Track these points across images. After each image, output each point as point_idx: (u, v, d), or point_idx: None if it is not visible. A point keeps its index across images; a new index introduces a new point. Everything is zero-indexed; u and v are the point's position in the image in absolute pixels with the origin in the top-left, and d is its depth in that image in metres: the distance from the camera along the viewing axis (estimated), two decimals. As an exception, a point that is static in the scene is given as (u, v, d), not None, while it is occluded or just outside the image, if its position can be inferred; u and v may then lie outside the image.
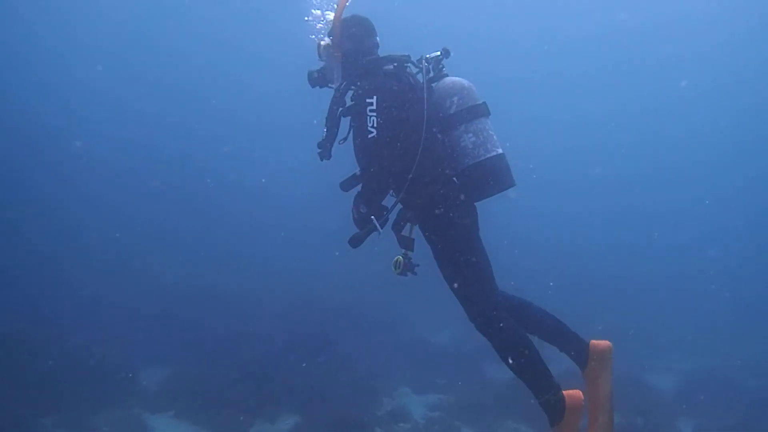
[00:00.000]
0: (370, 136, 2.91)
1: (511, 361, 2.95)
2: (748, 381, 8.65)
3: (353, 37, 3.17)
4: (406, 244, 3.10)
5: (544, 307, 3.15)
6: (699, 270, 14.27)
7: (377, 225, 2.95)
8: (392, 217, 3.04)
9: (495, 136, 3.07)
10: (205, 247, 14.02)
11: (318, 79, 3.24)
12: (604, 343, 3.08)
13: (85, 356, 7.31)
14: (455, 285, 2.98)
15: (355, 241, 2.95)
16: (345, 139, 3.16)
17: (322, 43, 3.21)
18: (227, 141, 20.11)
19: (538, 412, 3.12)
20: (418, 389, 7.95)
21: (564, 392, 2.97)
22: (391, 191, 3.11)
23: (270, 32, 20.19)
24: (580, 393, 3.00)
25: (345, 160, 3.13)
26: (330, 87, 3.23)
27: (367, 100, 2.93)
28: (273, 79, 20.19)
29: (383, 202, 3.03)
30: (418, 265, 3.11)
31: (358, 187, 3.05)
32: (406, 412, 7.15)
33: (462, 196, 3.01)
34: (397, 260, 3.08)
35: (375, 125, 2.89)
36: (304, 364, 7.61)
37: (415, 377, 8.20)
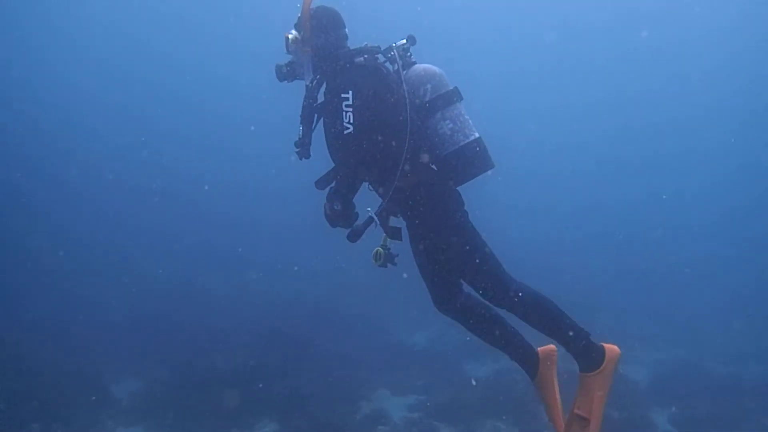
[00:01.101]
0: (346, 132, 2.84)
1: (539, 322, 3.00)
2: (718, 369, 8.86)
3: (322, 30, 3.08)
4: (394, 234, 3.08)
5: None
6: (669, 263, 14.55)
7: (375, 217, 2.92)
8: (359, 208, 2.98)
9: (470, 121, 3.06)
10: (178, 248, 13.75)
11: (287, 74, 3.14)
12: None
13: (52, 370, 7.09)
14: (465, 270, 3.00)
15: (354, 236, 2.91)
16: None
17: (290, 36, 3.11)
18: (203, 137, 19.78)
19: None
20: (396, 391, 7.93)
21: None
22: (369, 186, 3.09)
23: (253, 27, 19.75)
24: (617, 348, 3.05)
25: (322, 156, 3.09)
26: (298, 79, 3.15)
27: (342, 95, 2.87)
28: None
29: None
30: (397, 255, 3.08)
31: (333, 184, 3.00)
32: (385, 415, 7.13)
33: (444, 184, 3.00)
34: (377, 251, 3.06)
35: (351, 120, 2.83)
36: (281, 370, 7.54)
37: (393, 379, 8.18)
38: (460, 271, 3.03)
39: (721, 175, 21.10)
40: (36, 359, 7.40)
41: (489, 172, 3.10)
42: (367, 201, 3.06)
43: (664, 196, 18.98)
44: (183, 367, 7.63)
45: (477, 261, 2.98)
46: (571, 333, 2.98)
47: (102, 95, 20.30)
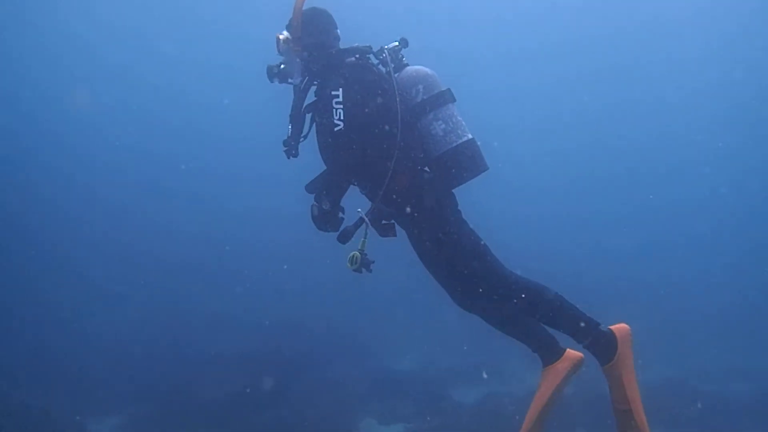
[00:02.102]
0: (336, 129, 2.83)
1: (546, 315, 2.95)
2: (705, 387, 8.86)
3: (313, 31, 3.09)
4: (387, 230, 3.04)
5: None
6: (650, 280, 14.62)
7: (365, 218, 2.90)
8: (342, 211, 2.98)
9: (463, 122, 3.06)
10: (158, 265, 13.43)
11: (278, 74, 3.13)
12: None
13: (26, 411, 6.83)
14: (464, 269, 2.95)
15: (344, 237, 2.89)
16: (306, 136, 3.09)
17: (281, 36, 3.12)
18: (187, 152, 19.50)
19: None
20: (383, 420, 7.78)
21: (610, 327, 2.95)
22: (360, 189, 3.08)
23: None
24: (626, 325, 2.99)
25: (310, 160, 3.07)
26: (290, 83, 3.14)
27: (333, 93, 2.87)
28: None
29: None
30: (373, 262, 3.02)
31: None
32: (373, 445, 7.00)
33: (437, 185, 2.98)
34: (353, 255, 2.98)
35: (342, 118, 2.83)
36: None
37: (380, 407, 8.04)
38: (459, 270, 2.98)
39: (708, 190, 20.85)
40: (7, 397, 7.16)
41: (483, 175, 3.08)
42: (357, 204, 3.04)
43: (651, 196, 18.88)
44: (166, 399, 7.44)
45: (475, 259, 2.95)
46: (581, 324, 2.91)
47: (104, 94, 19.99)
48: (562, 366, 3.01)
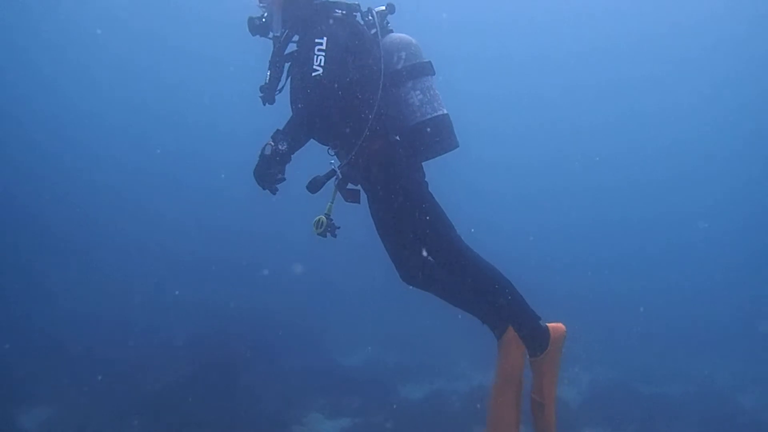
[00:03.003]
0: (314, 74, 2.73)
1: (490, 300, 2.90)
2: (642, 389, 9.11)
3: None
4: (352, 197, 3.00)
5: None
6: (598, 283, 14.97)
7: (337, 171, 2.86)
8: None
9: (440, 96, 3.01)
10: (96, 268, 12.98)
11: (260, 27, 3.02)
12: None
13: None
14: (420, 239, 2.91)
15: (314, 186, 2.82)
16: (282, 88, 3.00)
17: None
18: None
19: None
20: (330, 414, 7.68)
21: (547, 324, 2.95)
22: (329, 149, 3.00)
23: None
24: (563, 325, 2.98)
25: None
26: (270, 38, 3.03)
27: (316, 41, 2.78)
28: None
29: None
30: (338, 228, 2.98)
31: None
32: (319, 439, 6.89)
33: (407, 155, 2.93)
34: (318, 220, 2.94)
35: (322, 63, 2.74)
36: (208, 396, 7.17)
37: (327, 402, 7.93)
38: (418, 239, 2.94)
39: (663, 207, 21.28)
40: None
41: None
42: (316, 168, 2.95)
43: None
44: (102, 391, 7.12)
45: (435, 230, 2.91)
46: (521, 314, 2.90)
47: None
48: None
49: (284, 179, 2.85)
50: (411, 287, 3.10)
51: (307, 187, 2.85)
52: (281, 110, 3.07)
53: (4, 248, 12.25)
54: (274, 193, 2.87)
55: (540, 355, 2.87)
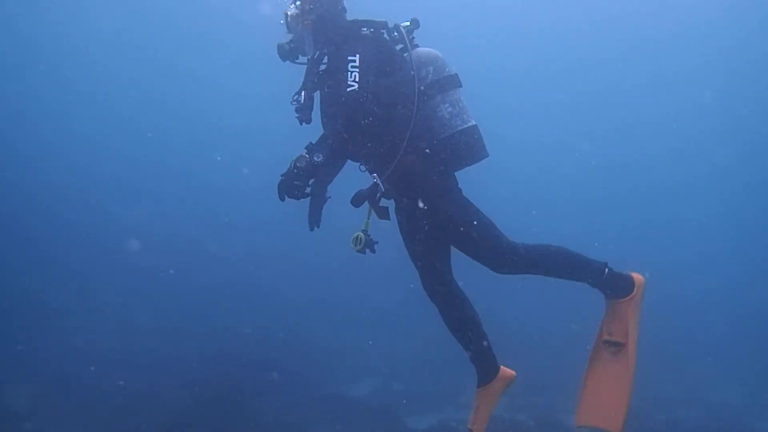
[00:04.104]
0: (350, 89, 2.76)
1: (556, 268, 3.14)
2: (657, 416, 8.93)
3: (323, 2, 3.04)
4: (383, 213, 3.04)
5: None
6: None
7: (380, 183, 2.92)
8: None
9: (468, 108, 3.07)
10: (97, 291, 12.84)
11: (290, 52, 3.07)
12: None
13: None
14: (469, 246, 3.01)
15: (358, 200, 2.92)
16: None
17: (290, 12, 3.05)
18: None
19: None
20: (333, 446, 7.57)
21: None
22: (361, 165, 3.06)
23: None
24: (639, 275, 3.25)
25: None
26: (300, 63, 3.09)
27: (349, 58, 2.82)
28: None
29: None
30: (377, 243, 3.04)
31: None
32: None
33: (443, 167, 2.99)
34: (357, 236, 3.00)
35: (356, 79, 2.77)
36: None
37: (330, 433, 7.82)
38: (460, 244, 3.03)
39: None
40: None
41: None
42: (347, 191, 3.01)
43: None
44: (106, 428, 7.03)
45: (486, 232, 3.00)
46: (590, 267, 3.12)
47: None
48: (498, 386, 3.12)
49: (308, 195, 2.86)
50: (432, 301, 3.18)
51: (351, 202, 2.93)
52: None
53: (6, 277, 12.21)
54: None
55: (625, 297, 3.15)
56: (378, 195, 3.00)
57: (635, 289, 3.15)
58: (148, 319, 10.98)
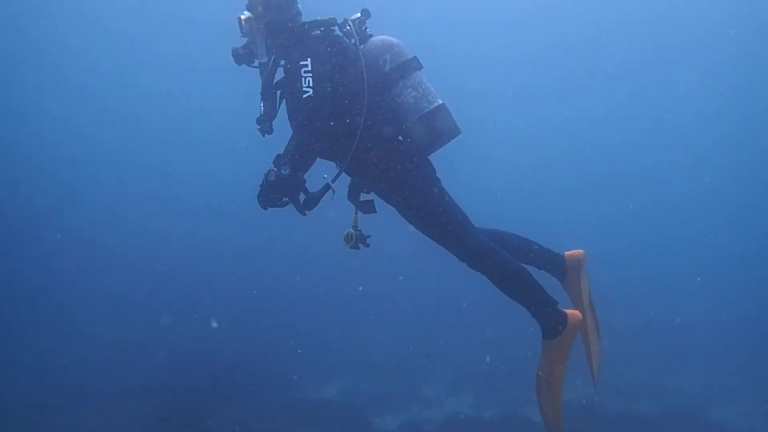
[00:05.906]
0: (305, 95, 2.81)
1: (512, 286, 3.06)
2: (614, 406, 9.19)
3: (274, 7, 3.07)
4: (368, 208, 3.07)
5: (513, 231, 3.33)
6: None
7: (331, 185, 2.90)
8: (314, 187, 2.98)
9: (432, 88, 3.09)
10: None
11: (244, 56, 3.10)
12: (577, 252, 3.37)
13: None
14: (437, 235, 3.03)
15: (310, 203, 2.86)
16: (277, 114, 3.08)
17: (243, 17, 3.08)
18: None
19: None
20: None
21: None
22: (336, 164, 3.08)
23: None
24: (579, 314, 3.16)
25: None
26: (255, 66, 3.11)
27: (301, 63, 2.86)
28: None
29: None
30: (369, 236, 3.06)
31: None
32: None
33: (413, 153, 3.01)
34: (348, 233, 3.02)
35: (311, 85, 2.82)
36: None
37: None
38: (428, 233, 3.05)
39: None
40: None
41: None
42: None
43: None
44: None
45: (452, 226, 3.01)
46: (539, 300, 3.09)
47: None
48: (572, 265, 3.34)
49: (288, 203, 2.89)
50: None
51: (303, 204, 2.89)
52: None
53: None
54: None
55: (555, 338, 3.05)
56: (357, 191, 3.07)
57: (565, 332, 3.06)
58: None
